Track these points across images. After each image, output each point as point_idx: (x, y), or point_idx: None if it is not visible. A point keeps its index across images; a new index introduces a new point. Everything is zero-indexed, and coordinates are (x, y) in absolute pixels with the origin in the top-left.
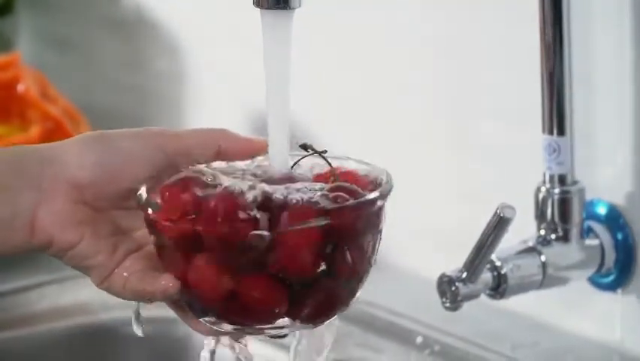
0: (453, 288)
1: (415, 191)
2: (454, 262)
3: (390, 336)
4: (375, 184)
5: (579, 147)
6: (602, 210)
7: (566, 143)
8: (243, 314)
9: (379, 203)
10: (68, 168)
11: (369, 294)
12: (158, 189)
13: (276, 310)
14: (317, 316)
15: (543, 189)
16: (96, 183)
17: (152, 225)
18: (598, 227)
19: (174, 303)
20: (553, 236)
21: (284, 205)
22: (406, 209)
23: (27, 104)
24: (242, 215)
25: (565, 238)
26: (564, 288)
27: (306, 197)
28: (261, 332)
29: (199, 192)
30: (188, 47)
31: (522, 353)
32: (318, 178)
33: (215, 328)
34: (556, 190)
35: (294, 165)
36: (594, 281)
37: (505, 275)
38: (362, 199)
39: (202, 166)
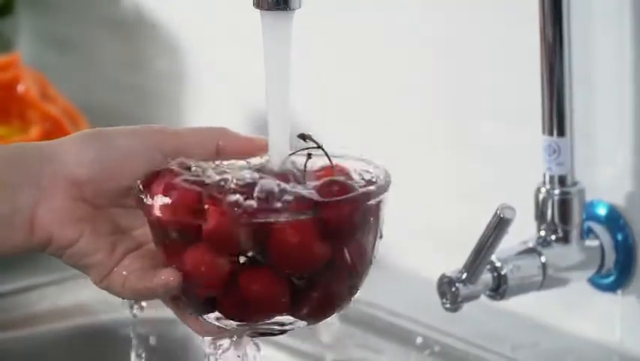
0: (453, 289)
1: (415, 191)
2: (454, 262)
3: (390, 337)
4: (371, 181)
5: (579, 148)
6: (602, 211)
7: (566, 144)
8: (244, 308)
9: (376, 199)
10: (67, 165)
11: (369, 294)
12: (155, 181)
13: (277, 304)
14: (318, 312)
15: (543, 189)
16: (95, 180)
17: (144, 208)
18: (598, 228)
19: (173, 302)
20: (553, 237)
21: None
22: (406, 209)
23: (27, 104)
24: (234, 205)
25: (565, 239)
26: (564, 289)
27: (298, 190)
28: (261, 330)
29: (191, 183)
30: (188, 47)
31: (522, 353)
32: (318, 175)
33: (216, 324)
34: (557, 191)
35: (292, 153)
36: (594, 282)
37: (505, 276)
38: (354, 193)
39: (190, 162)
